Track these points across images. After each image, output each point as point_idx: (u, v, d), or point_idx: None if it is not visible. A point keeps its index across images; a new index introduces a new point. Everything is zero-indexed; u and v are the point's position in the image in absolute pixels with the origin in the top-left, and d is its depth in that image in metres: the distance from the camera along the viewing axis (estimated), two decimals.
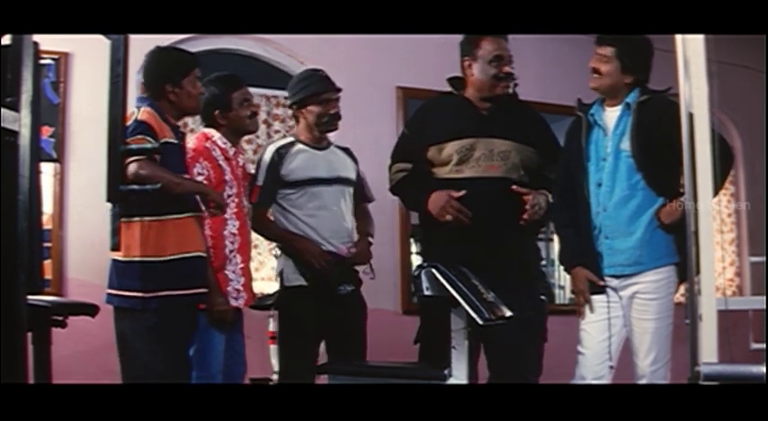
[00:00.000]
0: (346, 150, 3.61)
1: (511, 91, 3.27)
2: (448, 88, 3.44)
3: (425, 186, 3.22)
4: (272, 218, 3.48)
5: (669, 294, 3.06)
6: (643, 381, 3.03)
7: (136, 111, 2.91)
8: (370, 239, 3.56)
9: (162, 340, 2.84)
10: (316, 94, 3.43)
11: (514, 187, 3.16)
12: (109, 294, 2.92)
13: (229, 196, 3.23)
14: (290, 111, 4.85)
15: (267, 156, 3.44)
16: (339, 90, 3.49)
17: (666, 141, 2.86)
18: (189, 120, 4.50)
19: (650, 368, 3.01)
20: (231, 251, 3.21)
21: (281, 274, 3.44)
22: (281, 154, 3.43)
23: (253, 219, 3.40)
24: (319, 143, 3.49)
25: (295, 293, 3.37)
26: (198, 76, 3.08)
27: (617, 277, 3.12)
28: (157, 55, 3.07)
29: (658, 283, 3.06)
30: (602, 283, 3.15)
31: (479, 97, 3.26)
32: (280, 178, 3.40)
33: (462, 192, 3.12)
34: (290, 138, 3.52)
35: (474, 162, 3.18)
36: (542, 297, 3.29)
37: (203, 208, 2.96)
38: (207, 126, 3.36)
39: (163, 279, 2.86)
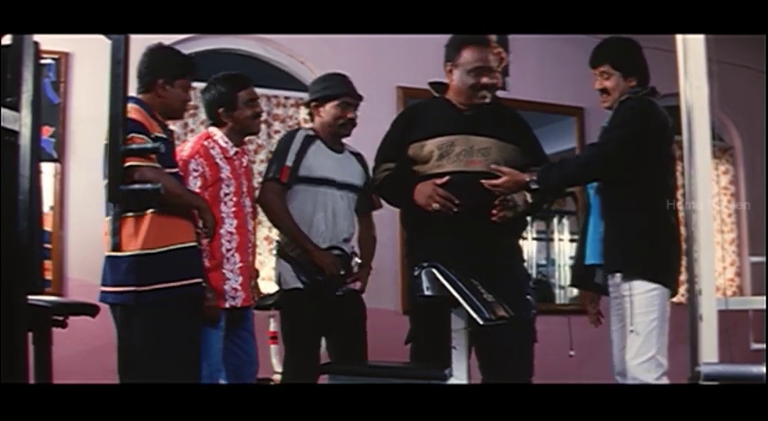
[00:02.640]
0: (359, 156, 3.61)
1: (488, 100, 3.26)
2: None
3: (408, 181, 3.23)
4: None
5: (647, 289, 3.04)
6: (628, 376, 3.02)
7: None
8: (370, 269, 3.58)
9: (160, 336, 2.84)
10: (338, 95, 3.43)
11: (492, 182, 3.13)
12: (102, 292, 2.92)
13: (227, 195, 3.23)
14: (290, 112, 4.91)
15: (297, 141, 3.42)
16: (361, 98, 3.49)
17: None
18: (189, 120, 4.52)
19: (632, 362, 3.01)
20: (229, 250, 3.21)
21: (279, 277, 3.45)
22: (306, 143, 3.43)
23: (267, 195, 3.37)
24: (335, 145, 3.50)
25: (293, 296, 3.37)
26: (191, 83, 3.10)
27: (610, 276, 3.15)
28: (158, 50, 3.07)
29: (633, 280, 3.06)
30: (595, 286, 3.25)
31: (458, 101, 3.27)
32: (299, 168, 3.40)
33: (447, 178, 3.12)
34: (312, 132, 3.49)
35: (455, 157, 3.18)
36: (528, 296, 3.27)
37: (199, 225, 2.95)
38: (212, 124, 3.37)
39: (156, 272, 2.85)
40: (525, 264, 3.50)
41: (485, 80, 3.21)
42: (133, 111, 2.88)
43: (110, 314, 2.94)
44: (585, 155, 3.18)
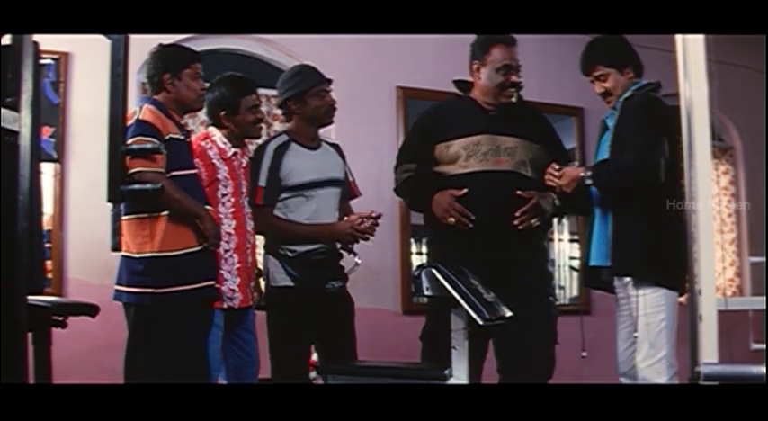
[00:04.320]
0: (336, 146, 3.57)
1: (515, 99, 3.26)
2: (448, 88, 3.44)
3: (430, 187, 3.21)
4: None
5: (653, 291, 3.03)
6: (638, 378, 3.02)
7: (138, 110, 2.92)
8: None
9: (173, 336, 2.84)
10: (312, 86, 3.40)
11: (519, 192, 3.15)
12: (117, 290, 2.92)
13: (224, 195, 3.24)
14: None
15: (267, 156, 3.38)
16: (330, 81, 3.46)
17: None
18: (189, 120, 4.52)
19: (642, 364, 3.01)
20: (227, 251, 3.20)
21: (267, 274, 3.38)
22: (278, 154, 3.37)
23: (258, 222, 3.34)
24: (312, 142, 3.45)
25: (282, 294, 3.33)
26: (200, 72, 3.09)
27: (617, 277, 3.14)
28: (159, 49, 3.09)
29: (641, 283, 3.06)
30: (602, 284, 3.25)
31: (484, 101, 3.27)
32: (279, 181, 3.36)
33: (464, 190, 3.12)
34: (285, 137, 3.44)
35: (482, 156, 3.18)
36: (551, 297, 3.28)
37: (200, 237, 2.93)
38: (212, 125, 3.38)
39: (173, 274, 2.87)
40: (549, 265, 3.50)
41: (513, 78, 3.23)
42: (146, 111, 2.89)
43: (121, 313, 2.94)
44: (631, 160, 3.06)
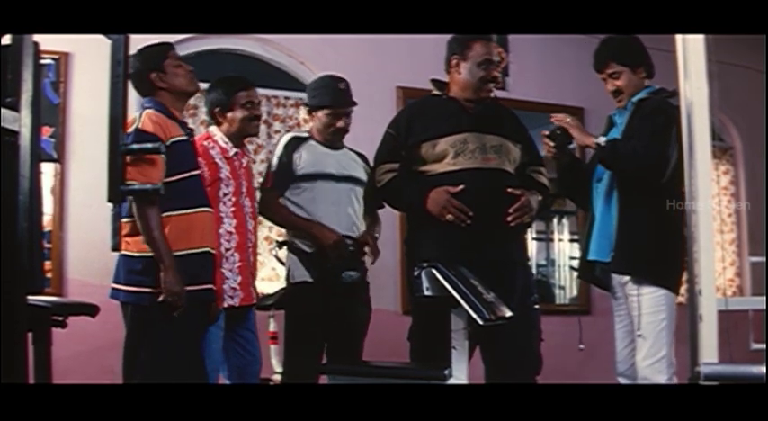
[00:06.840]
0: (361, 156, 3.63)
1: (493, 94, 3.29)
2: None
3: (421, 185, 3.21)
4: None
5: (654, 291, 3.04)
6: (639, 378, 3.03)
7: (137, 117, 2.87)
8: (376, 234, 3.60)
9: (170, 337, 2.83)
10: (328, 107, 3.49)
11: (510, 189, 3.16)
12: (114, 289, 2.91)
13: (226, 194, 3.25)
14: (290, 112, 4.92)
15: (282, 143, 3.50)
16: (354, 104, 3.53)
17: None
18: (189, 120, 4.53)
19: (642, 363, 3.02)
20: (228, 249, 3.22)
21: (288, 271, 3.47)
22: (294, 144, 3.47)
23: (261, 204, 3.43)
24: (332, 143, 3.53)
25: (300, 290, 3.38)
26: (178, 56, 3.05)
27: (616, 274, 3.15)
28: (135, 55, 3.01)
29: (642, 282, 3.06)
30: (596, 279, 3.30)
31: (464, 97, 3.26)
32: (291, 169, 3.43)
33: (460, 187, 3.12)
34: (306, 133, 3.56)
35: (470, 154, 3.17)
36: (536, 295, 3.31)
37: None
38: (212, 124, 3.42)
39: None
40: (528, 260, 3.54)
41: (494, 73, 3.25)
42: (146, 119, 2.84)
43: (119, 312, 2.92)
44: (646, 150, 3.07)
